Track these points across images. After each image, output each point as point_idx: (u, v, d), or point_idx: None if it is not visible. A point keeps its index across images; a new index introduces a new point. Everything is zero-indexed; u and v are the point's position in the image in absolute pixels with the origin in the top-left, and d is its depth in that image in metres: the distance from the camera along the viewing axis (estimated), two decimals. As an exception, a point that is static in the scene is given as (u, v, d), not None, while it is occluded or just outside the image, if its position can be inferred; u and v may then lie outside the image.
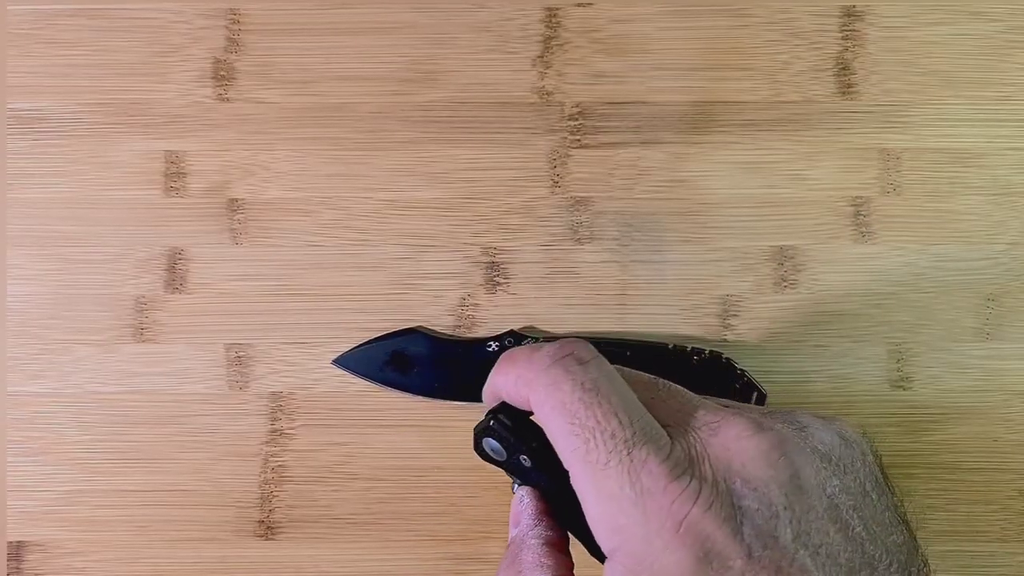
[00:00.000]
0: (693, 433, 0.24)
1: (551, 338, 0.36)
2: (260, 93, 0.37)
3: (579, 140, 0.37)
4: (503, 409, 0.27)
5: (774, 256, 0.37)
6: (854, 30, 0.37)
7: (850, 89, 0.37)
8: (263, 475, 0.37)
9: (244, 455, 0.37)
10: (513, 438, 0.27)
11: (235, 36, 0.37)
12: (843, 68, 0.37)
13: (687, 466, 0.22)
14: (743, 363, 0.36)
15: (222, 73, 0.37)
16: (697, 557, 0.21)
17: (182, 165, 0.37)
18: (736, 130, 0.37)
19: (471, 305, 0.37)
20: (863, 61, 0.37)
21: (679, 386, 0.26)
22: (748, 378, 0.35)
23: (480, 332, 0.37)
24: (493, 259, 0.37)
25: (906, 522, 0.25)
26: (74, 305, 0.37)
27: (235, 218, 0.37)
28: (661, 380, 0.27)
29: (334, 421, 0.37)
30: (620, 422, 0.23)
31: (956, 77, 0.37)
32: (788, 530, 0.22)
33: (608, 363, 0.25)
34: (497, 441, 0.27)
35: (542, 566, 0.25)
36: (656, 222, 0.37)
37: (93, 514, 0.37)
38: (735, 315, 0.37)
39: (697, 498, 0.22)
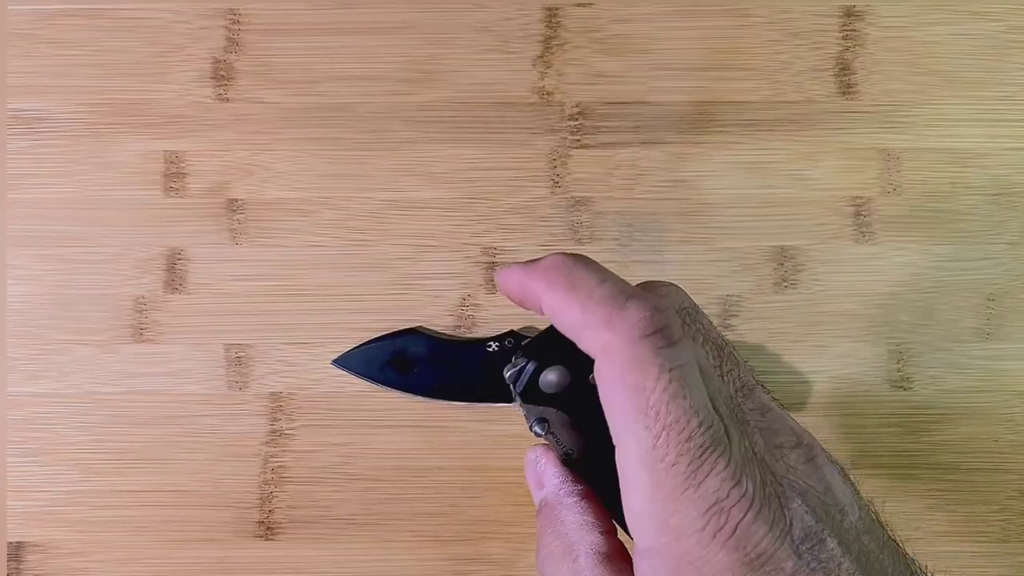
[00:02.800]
0: (748, 428, 0.23)
1: None
2: (260, 93, 0.37)
3: (579, 140, 0.37)
4: (547, 339, 0.25)
5: (774, 256, 0.37)
6: (854, 30, 0.37)
7: (850, 89, 0.37)
8: (263, 475, 0.37)
9: (244, 455, 0.37)
10: (580, 368, 0.24)
11: (235, 36, 0.37)
12: (843, 68, 0.37)
13: (744, 469, 0.22)
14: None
15: (222, 73, 0.37)
16: (748, 561, 0.21)
17: (182, 165, 0.37)
18: (736, 130, 0.37)
19: (471, 305, 0.37)
20: (863, 61, 0.37)
21: (738, 358, 0.25)
22: (748, 378, 0.35)
23: (480, 332, 0.37)
24: (493, 259, 0.37)
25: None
26: (74, 305, 0.37)
27: (235, 218, 0.37)
28: (728, 349, 0.25)
29: (334, 421, 0.37)
30: (700, 423, 0.22)
31: (956, 77, 0.37)
32: (833, 537, 0.22)
33: (691, 336, 0.24)
34: (567, 368, 0.25)
35: (588, 525, 0.25)
36: (656, 222, 0.37)
37: (93, 514, 0.37)
38: (735, 315, 0.37)
39: (752, 503, 0.22)
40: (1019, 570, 0.36)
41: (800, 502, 0.22)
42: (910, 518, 0.36)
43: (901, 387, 0.37)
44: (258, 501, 0.37)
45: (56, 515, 0.37)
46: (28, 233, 0.37)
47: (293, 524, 0.37)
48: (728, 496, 0.22)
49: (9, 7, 0.37)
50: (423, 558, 0.36)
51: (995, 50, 0.37)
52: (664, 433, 0.22)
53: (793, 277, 0.37)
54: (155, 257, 0.37)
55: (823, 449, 0.25)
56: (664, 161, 0.37)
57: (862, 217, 0.37)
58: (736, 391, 0.24)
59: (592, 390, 0.24)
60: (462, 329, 0.37)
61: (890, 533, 0.24)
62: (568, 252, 0.25)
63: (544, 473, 0.27)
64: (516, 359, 0.25)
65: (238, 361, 0.37)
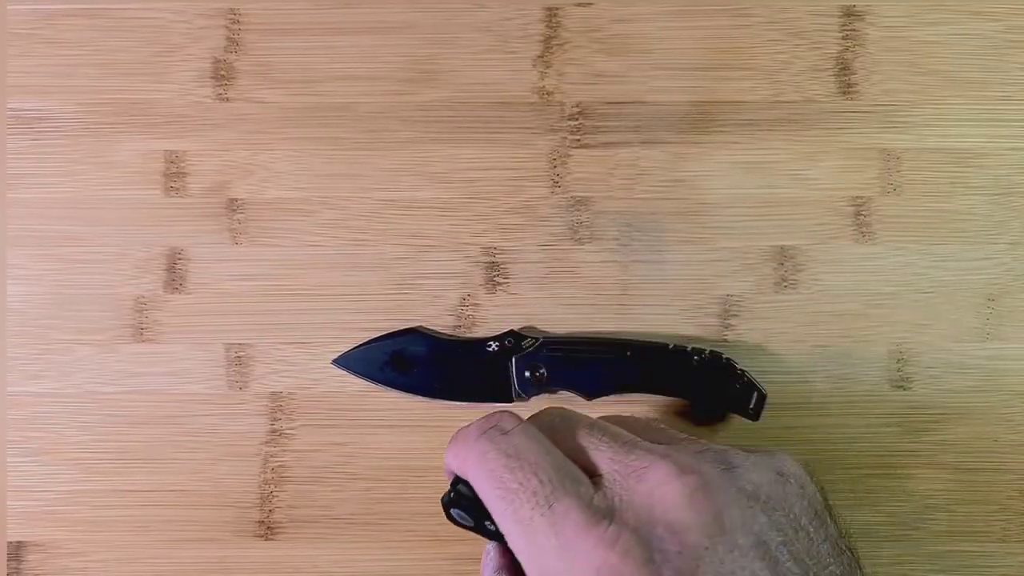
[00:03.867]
0: (620, 481, 0.25)
1: (550, 339, 0.36)
2: (260, 93, 0.37)
3: (579, 140, 0.37)
4: (464, 480, 0.28)
5: (774, 256, 0.37)
6: (854, 30, 0.37)
7: (850, 89, 0.37)
8: (263, 475, 0.37)
9: (244, 455, 0.37)
10: (475, 506, 0.27)
11: (235, 36, 0.37)
12: (843, 68, 0.37)
13: (607, 513, 0.24)
14: (743, 363, 0.36)
15: (222, 73, 0.37)
16: None
17: (182, 165, 0.37)
18: (736, 130, 0.37)
19: (471, 305, 0.37)
20: (863, 61, 0.37)
21: (617, 428, 0.27)
22: (748, 378, 0.35)
23: (480, 332, 0.37)
24: (493, 259, 0.37)
25: (850, 550, 0.25)
26: (74, 305, 0.37)
27: (235, 218, 0.37)
28: (600, 423, 0.28)
29: (334, 421, 0.37)
30: (540, 480, 0.24)
31: (957, 77, 0.37)
32: (710, 570, 0.22)
33: (533, 427, 0.27)
34: (462, 510, 0.28)
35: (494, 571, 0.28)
36: (656, 222, 0.37)
37: (93, 514, 0.37)
38: (735, 315, 0.37)
39: (616, 543, 0.23)
40: (1019, 570, 0.36)
41: (674, 542, 0.23)
42: (910, 518, 0.36)
43: (901, 387, 0.37)
44: (258, 501, 0.37)
45: (56, 515, 0.37)
46: (28, 233, 0.37)
47: (293, 524, 0.37)
48: (585, 539, 0.23)
49: (9, 7, 0.37)
50: (423, 558, 0.36)
51: (995, 50, 0.37)
52: (515, 498, 0.25)
53: (793, 277, 0.37)
54: (155, 257, 0.37)
55: (730, 473, 0.25)
56: (664, 161, 0.37)
57: (862, 217, 0.37)
58: (616, 449, 0.26)
59: (490, 532, 0.28)
60: (462, 329, 0.37)
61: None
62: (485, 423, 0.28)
63: (485, 568, 0.29)
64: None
65: (238, 361, 0.37)
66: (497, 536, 0.28)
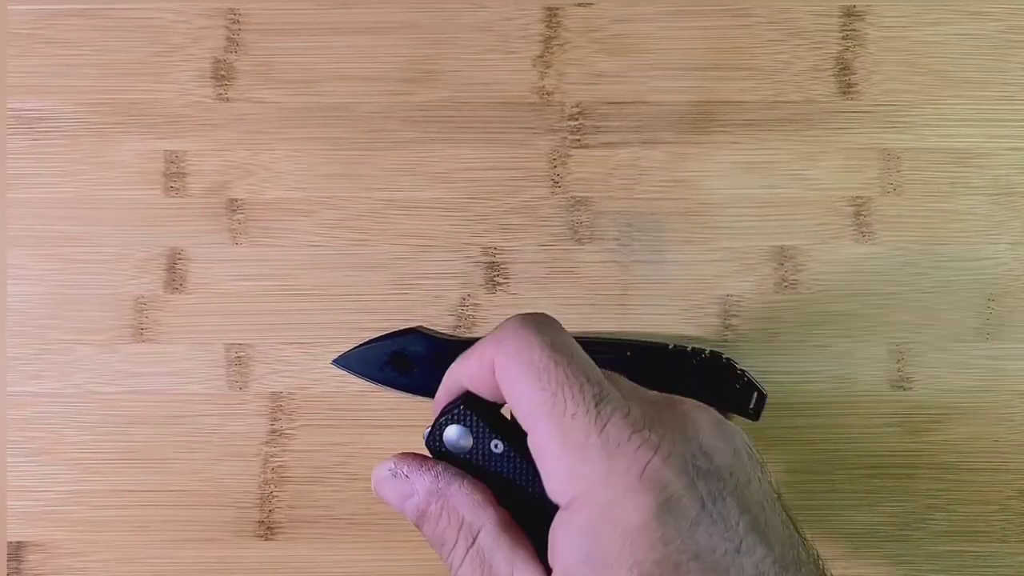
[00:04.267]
0: (649, 403, 0.25)
1: None
2: (260, 93, 0.37)
3: (579, 140, 0.37)
4: (463, 400, 0.27)
5: (774, 256, 0.37)
6: (855, 30, 0.37)
7: (851, 89, 0.37)
8: (263, 475, 0.37)
9: (244, 455, 0.37)
10: (483, 421, 0.26)
11: (235, 36, 0.37)
12: (844, 68, 0.37)
13: (646, 422, 0.24)
14: (743, 363, 0.36)
15: (222, 73, 0.37)
16: (658, 502, 0.22)
17: (182, 165, 0.37)
18: (737, 130, 0.37)
19: (471, 305, 0.37)
20: (864, 61, 0.37)
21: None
22: (748, 378, 0.35)
23: (480, 332, 0.37)
24: (493, 259, 0.37)
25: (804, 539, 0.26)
26: (74, 305, 0.37)
27: (235, 218, 0.37)
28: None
29: (334, 421, 0.37)
30: (588, 379, 0.24)
31: (957, 77, 0.37)
32: (733, 496, 0.23)
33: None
34: (466, 427, 0.26)
35: (480, 503, 0.26)
36: (656, 222, 0.37)
37: (93, 514, 0.37)
38: (735, 315, 0.37)
39: (658, 448, 0.23)
40: (1019, 570, 0.36)
41: (705, 460, 0.24)
42: (910, 518, 0.36)
43: (901, 387, 0.37)
44: (258, 501, 0.37)
45: (56, 515, 0.37)
46: (28, 233, 0.37)
47: (293, 524, 0.37)
48: (630, 440, 0.23)
49: (9, 7, 0.37)
50: (423, 558, 0.36)
51: (995, 50, 0.37)
52: (559, 390, 0.24)
53: (793, 277, 0.37)
54: (155, 257, 0.37)
55: (745, 439, 0.26)
56: (664, 161, 0.37)
57: (862, 217, 0.37)
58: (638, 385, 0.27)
59: (491, 457, 0.26)
60: (462, 329, 0.37)
61: (789, 514, 0.25)
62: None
63: (412, 477, 0.27)
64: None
65: (238, 361, 0.37)
66: (491, 466, 0.26)
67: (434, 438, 0.27)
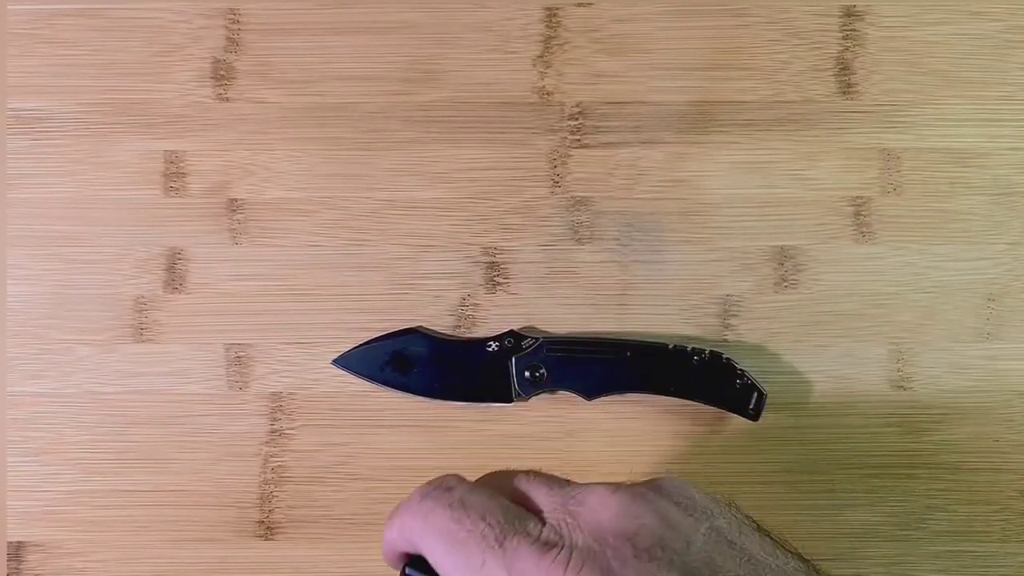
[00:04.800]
0: (562, 510, 0.25)
1: (550, 339, 0.36)
2: (260, 93, 0.37)
3: (579, 140, 0.37)
4: (413, 562, 0.27)
5: (774, 256, 0.37)
6: (854, 30, 0.37)
7: (850, 89, 0.37)
8: (263, 475, 0.37)
9: (244, 455, 0.37)
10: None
11: (235, 36, 0.37)
12: (843, 68, 0.37)
13: (557, 539, 0.24)
14: (743, 363, 0.36)
15: (222, 73, 0.37)
16: None
17: (182, 165, 0.37)
18: (736, 130, 0.37)
19: (471, 305, 0.37)
20: (863, 61, 0.37)
21: (546, 473, 0.28)
22: (748, 378, 0.35)
23: (480, 332, 0.37)
24: (493, 259, 0.37)
25: (799, 555, 0.25)
26: (74, 305, 0.37)
27: (235, 218, 0.37)
28: (528, 471, 0.28)
29: (334, 421, 0.37)
30: (488, 523, 0.24)
31: (957, 77, 0.37)
32: (673, 568, 0.23)
33: (472, 483, 0.27)
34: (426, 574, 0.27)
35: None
36: (656, 222, 0.37)
37: (93, 514, 0.37)
38: (735, 315, 0.37)
39: (568, 564, 0.23)
40: (1019, 570, 0.36)
41: (629, 548, 0.23)
42: (910, 518, 0.36)
43: (901, 387, 0.37)
44: (258, 501, 0.37)
45: (56, 515, 0.37)
46: (28, 233, 0.37)
47: (293, 524, 0.37)
48: (538, 566, 0.23)
49: (9, 7, 0.37)
50: (423, 558, 0.36)
51: (995, 50, 0.37)
52: (465, 546, 0.24)
53: (793, 277, 0.37)
54: (155, 257, 0.37)
55: (659, 491, 0.25)
56: (664, 161, 0.37)
57: (862, 217, 0.37)
58: (557, 494, 0.26)
59: None
60: (462, 329, 0.37)
61: (771, 535, 0.25)
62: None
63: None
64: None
65: (238, 361, 0.37)
66: None
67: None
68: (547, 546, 0.24)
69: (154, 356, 0.37)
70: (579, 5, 0.37)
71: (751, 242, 0.37)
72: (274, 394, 0.37)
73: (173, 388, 0.37)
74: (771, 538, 0.25)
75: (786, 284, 0.37)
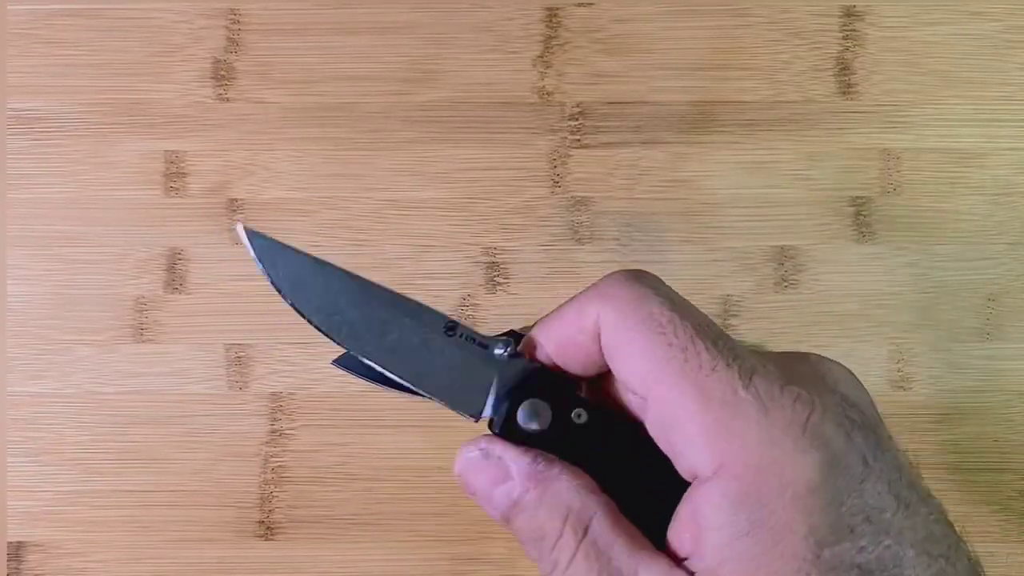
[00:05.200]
0: (779, 358, 0.22)
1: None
2: (260, 93, 0.37)
3: (579, 140, 0.37)
4: (536, 374, 0.23)
5: (774, 256, 0.37)
6: (855, 30, 0.37)
7: (851, 89, 0.37)
8: (263, 475, 0.37)
9: (244, 455, 0.37)
10: (563, 391, 0.23)
11: (235, 36, 0.37)
12: (844, 68, 0.37)
13: (789, 376, 0.21)
14: (743, 363, 0.35)
15: (222, 73, 0.37)
16: (826, 460, 0.20)
17: (182, 165, 0.37)
18: (737, 130, 0.37)
19: (471, 305, 0.37)
20: (864, 61, 0.37)
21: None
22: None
23: (480, 332, 0.37)
24: (493, 259, 0.37)
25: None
26: (74, 305, 0.37)
27: (235, 218, 0.37)
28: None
29: (334, 421, 0.37)
30: (719, 332, 0.21)
31: (957, 77, 0.37)
32: (888, 451, 0.21)
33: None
34: (543, 400, 0.22)
35: (587, 487, 0.22)
36: (656, 222, 0.37)
37: (93, 514, 0.37)
38: (735, 315, 0.37)
39: (814, 403, 0.20)
40: (1019, 570, 0.36)
41: (855, 412, 0.21)
42: (910, 518, 0.36)
43: (901, 387, 0.37)
44: (258, 501, 0.37)
45: (56, 515, 0.37)
46: (28, 233, 0.37)
47: (293, 524, 0.37)
48: (783, 393, 0.20)
49: (9, 7, 0.37)
50: (423, 558, 0.36)
51: (995, 50, 0.37)
52: (690, 345, 0.21)
53: (793, 277, 0.37)
54: (155, 257, 0.37)
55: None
56: (664, 161, 0.37)
57: (862, 217, 0.37)
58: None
59: (575, 429, 0.23)
60: (462, 329, 0.37)
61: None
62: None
63: (507, 459, 0.22)
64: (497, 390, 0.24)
65: (238, 361, 0.37)
66: (570, 444, 0.22)
67: (501, 420, 0.23)
68: (785, 377, 0.21)
69: (154, 356, 0.37)
70: (579, 5, 0.37)
71: (751, 242, 0.37)
72: (274, 394, 0.37)
73: (173, 388, 0.37)
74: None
75: (786, 284, 0.37)
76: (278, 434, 0.37)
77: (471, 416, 0.24)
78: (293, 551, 0.37)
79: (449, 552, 0.36)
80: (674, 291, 0.23)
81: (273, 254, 0.26)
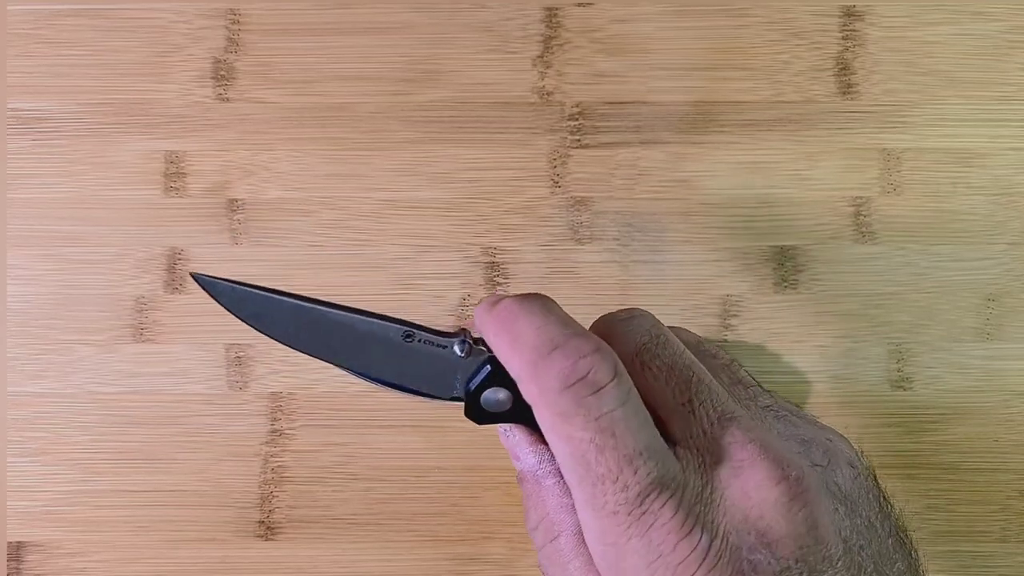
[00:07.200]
0: (711, 462, 0.22)
1: None
2: (260, 93, 0.37)
3: (579, 140, 0.37)
4: (488, 362, 0.26)
5: (774, 256, 0.37)
6: (854, 30, 0.37)
7: (851, 89, 0.37)
8: (263, 475, 0.37)
9: (244, 455, 0.37)
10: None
11: (235, 36, 0.37)
12: (843, 68, 0.37)
13: (698, 513, 0.21)
14: (743, 363, 0.35)
15: (222, 73, 0.37)
16: None
17: (182, 165, 0.37)
18: (736, 130, 0.37)
19: (471, 305, 0.37)
20: (864, 61, 0.37)
21: (717, 387, 0.25)
22: (748, 378, 0.35)
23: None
24: (493, 259, 0.37)
25: (904, 533, 0.25)
26: (74, 305, 0.37)
27: (235, 218, 0.37)
28: (699, 380, 0.24)
29: (334, 421, 0.37)
30: (635, 470, 0.21)
31: (957, 77, 0.37)
32: None
33: (629, 378, 0.23)
34: (505, 388, 0.25)
35: (567, 507, 0.24)
36: (656, 222, 0.37)
37: (93, 514, 0.37)
38: (735, 315, 0.37)
39: (704, 558, 0.21)
40: (1019, 570, 0.36)
41: (766, 553, 0.21)
42: (910, 518, 0.36)
43: (901, 387, 0.37)
44: (258, 501, 0.37)
45: (56, 515, 0.37)
46: (29, 233, 0.37)
47: (293, 524, 0.37)
48: (675, 550, 0.21)
49: (9, 7, 0.37)
50: (424, 558, 0.36)
51: (996, 50, 0.37)
52: (599, 483, 0.21)
53: (793, 277, 0.37)
54: (155, 257, 0.37)
55: (826, 472, 0.23)
56: (664, 161, 0.37)
57: (862, 217, 0.37)
58: (713, 422, 0.23)
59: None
60: (462, 329, 0.37)
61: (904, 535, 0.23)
62: (523, 295, 0.25)
63: (518, 446, 0.26)
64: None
65: (238, 361, 0.37)
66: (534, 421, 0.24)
67: (474, 400, 0.26)
68: (688, 522, 0.21)
69: (154, 356, 0.37)
70: (579, 5, 0.37)
71: (751, 242, 0.37)
72: (274, 394, 0.37)
73: (173, 388, 0.37)
74: (892, 507, 0.23)
75: (786, 284, 0.37)
76: (278, 434, 0.37)
77: (452, 400, 0.27)
78: (293, 551, 0.37)
79: (449, 552, 0.36)
80: (611, 400, 0.22)
81: (230, 293, 0.30)
